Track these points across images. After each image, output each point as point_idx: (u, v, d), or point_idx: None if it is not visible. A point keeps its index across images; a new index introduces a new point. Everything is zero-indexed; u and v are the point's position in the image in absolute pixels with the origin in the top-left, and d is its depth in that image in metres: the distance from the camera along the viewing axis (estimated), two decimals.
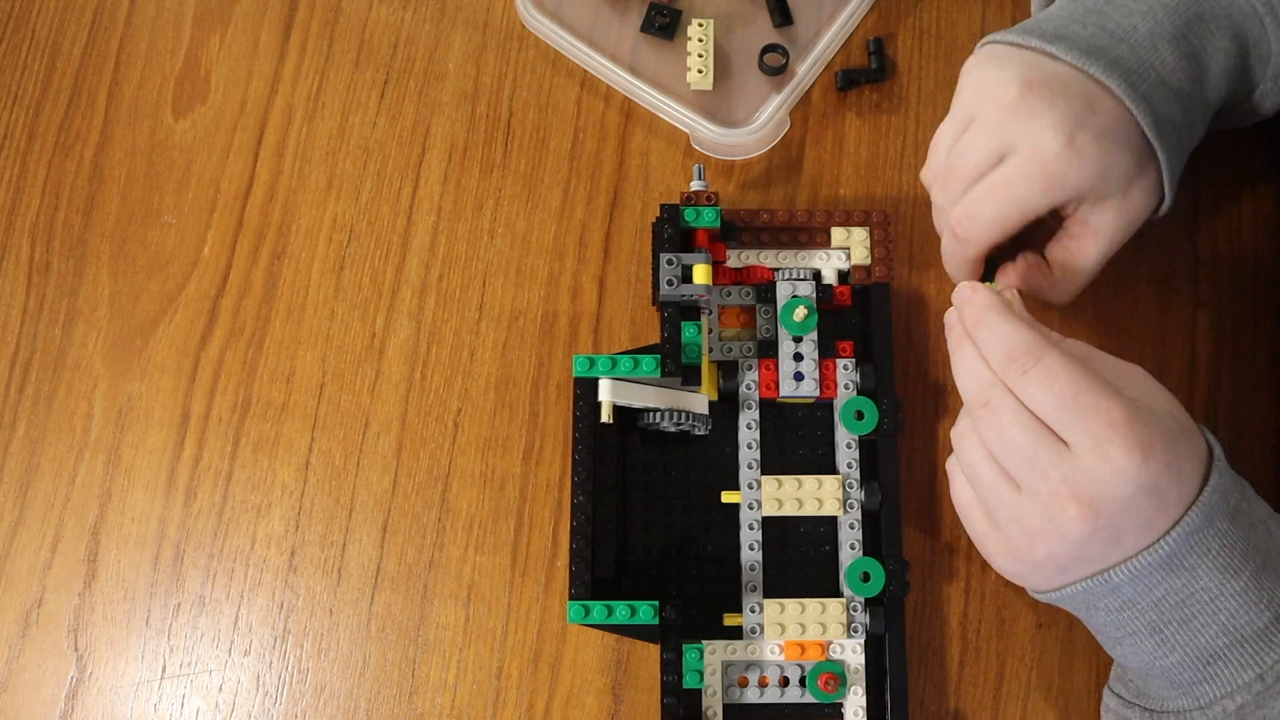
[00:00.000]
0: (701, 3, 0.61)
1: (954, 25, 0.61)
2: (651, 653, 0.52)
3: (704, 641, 0.50)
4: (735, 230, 0.55)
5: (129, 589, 0.53)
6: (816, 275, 0.54)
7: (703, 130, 0.57)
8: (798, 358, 0.53)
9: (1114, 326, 0.56)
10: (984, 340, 0.44)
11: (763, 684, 0.50)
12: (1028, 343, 0.43)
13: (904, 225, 0.57)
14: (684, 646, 0.48)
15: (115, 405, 0.56)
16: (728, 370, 0.53)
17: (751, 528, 0.52)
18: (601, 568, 0.49)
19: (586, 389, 0.50)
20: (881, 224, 0.55)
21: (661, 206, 0.52)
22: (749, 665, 0.50)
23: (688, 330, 0.51)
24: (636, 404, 0.50)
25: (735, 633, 0.51)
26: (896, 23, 0.61)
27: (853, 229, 0.55)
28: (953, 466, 0.47)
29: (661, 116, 0.59)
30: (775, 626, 0.50)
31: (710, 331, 0.54)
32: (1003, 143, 0.47)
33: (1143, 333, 0.56)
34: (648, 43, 0.60)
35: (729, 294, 0.55)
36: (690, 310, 0.52)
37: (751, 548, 0.51)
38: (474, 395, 0.55)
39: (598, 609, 0.47)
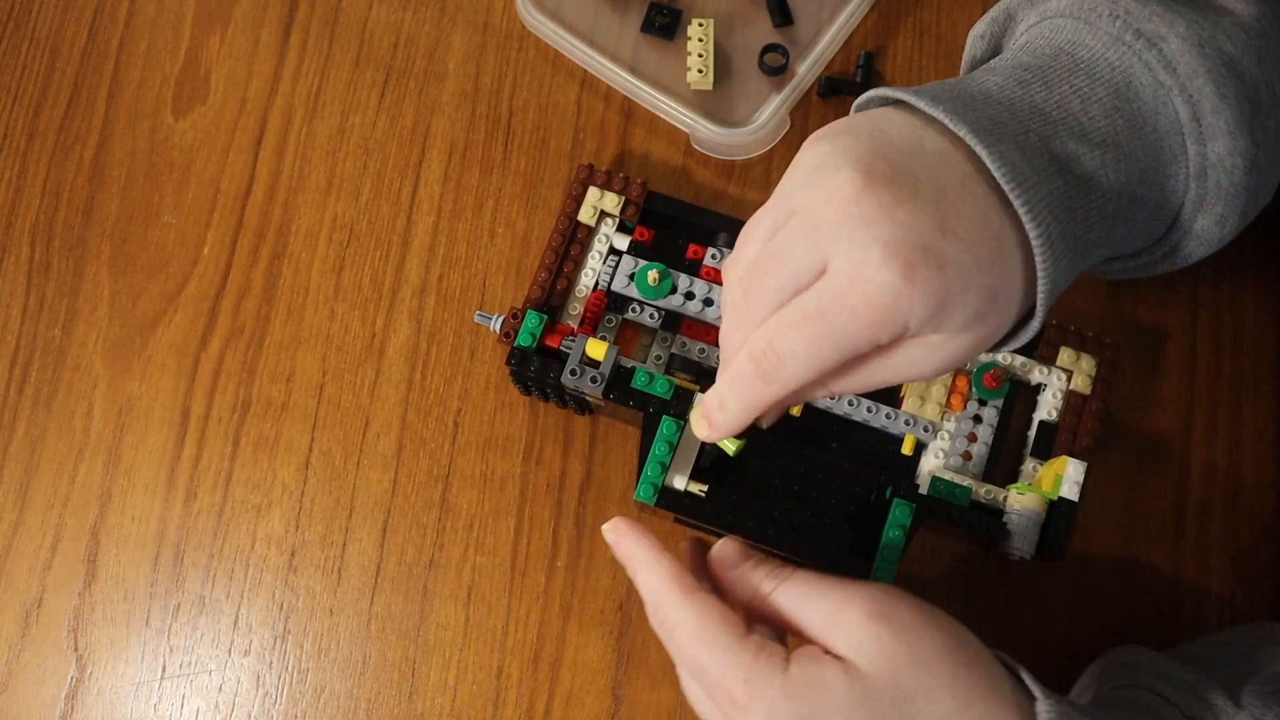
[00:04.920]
0: (701, 3, 0.61)
1: (954, 25, 0.61)
2: (652, 653, 0.52)
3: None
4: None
5: (129, 589, 0.53)
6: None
7: (703, 130, 0.57)
8: None
9: (1114, 327, 0.56)
10: (639, 588, 0.40)
11: None
12: (662, 599, 0.39)
13: None
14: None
15: (115, 405, 0.56)
16: None
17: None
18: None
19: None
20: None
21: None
22: None
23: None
24: None
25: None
26: (896, 23, 0.61)
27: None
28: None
29: (661, 116, 0.59)
30: None
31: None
32: (824, 251, 0.36)
33: (1143, 333, 0.56)
34: (648, 43, 0.60)
35: None
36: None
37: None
38: (474, 395, 0.55)
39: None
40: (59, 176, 0.59)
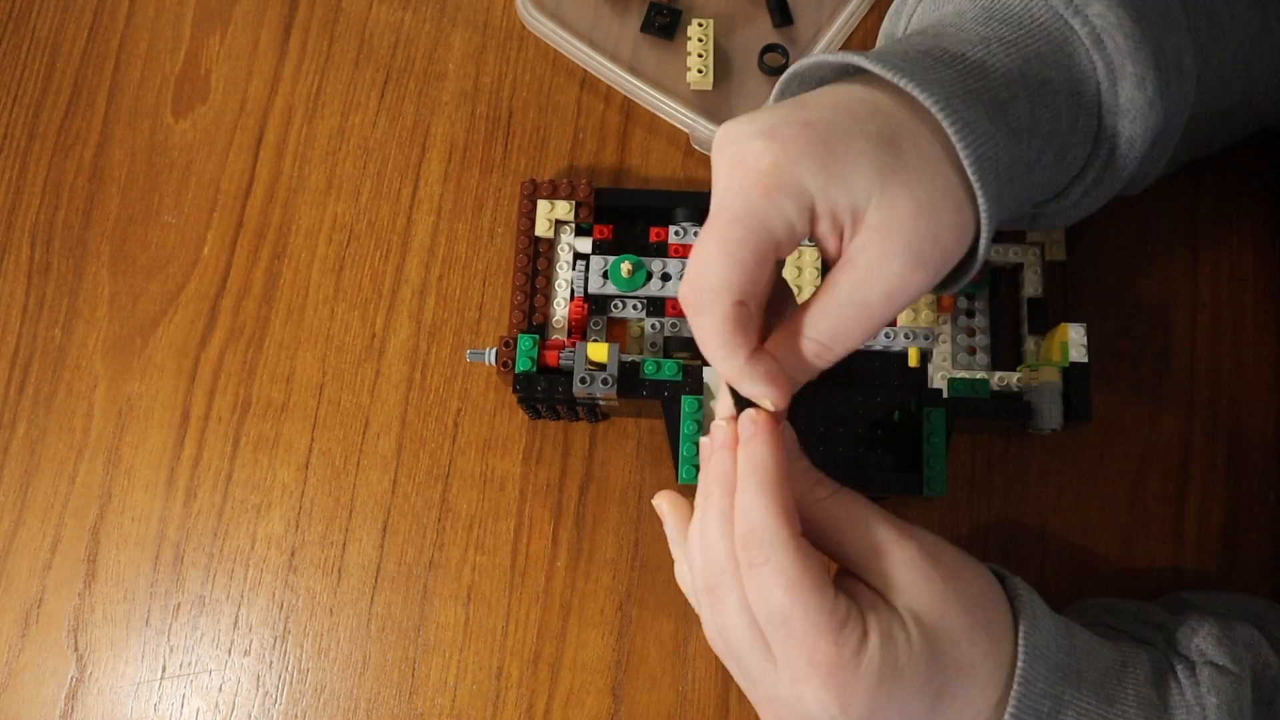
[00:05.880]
0: (701, 3, 0.61)
1: None
2: (652, 653, 0.52)
3: None
4: None
5: (129, 589, 0.53)
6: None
7: (703, 130, 0.57)
8: None
9: (1114, 327, 0.56)
10: (739, 502, 0.37)
11: None
12: (770, 531, 0.36)
13: None
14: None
15: (115, 405, 0.56)
16: None
17: None
18: None
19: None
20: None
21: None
22: None
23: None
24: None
25: None
26: None
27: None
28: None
29: (661, 116, 0.59)
30: None
31: None
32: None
33: (1143, 332, 0.56)
34: (648, 43, 0.60)
35: None
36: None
37: None
38: (474, 395, 0.55)
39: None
40: (59, 176, 0.59)
